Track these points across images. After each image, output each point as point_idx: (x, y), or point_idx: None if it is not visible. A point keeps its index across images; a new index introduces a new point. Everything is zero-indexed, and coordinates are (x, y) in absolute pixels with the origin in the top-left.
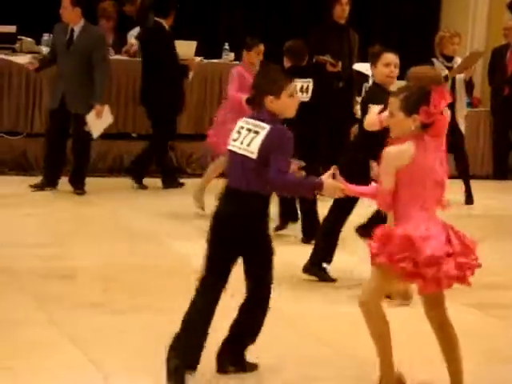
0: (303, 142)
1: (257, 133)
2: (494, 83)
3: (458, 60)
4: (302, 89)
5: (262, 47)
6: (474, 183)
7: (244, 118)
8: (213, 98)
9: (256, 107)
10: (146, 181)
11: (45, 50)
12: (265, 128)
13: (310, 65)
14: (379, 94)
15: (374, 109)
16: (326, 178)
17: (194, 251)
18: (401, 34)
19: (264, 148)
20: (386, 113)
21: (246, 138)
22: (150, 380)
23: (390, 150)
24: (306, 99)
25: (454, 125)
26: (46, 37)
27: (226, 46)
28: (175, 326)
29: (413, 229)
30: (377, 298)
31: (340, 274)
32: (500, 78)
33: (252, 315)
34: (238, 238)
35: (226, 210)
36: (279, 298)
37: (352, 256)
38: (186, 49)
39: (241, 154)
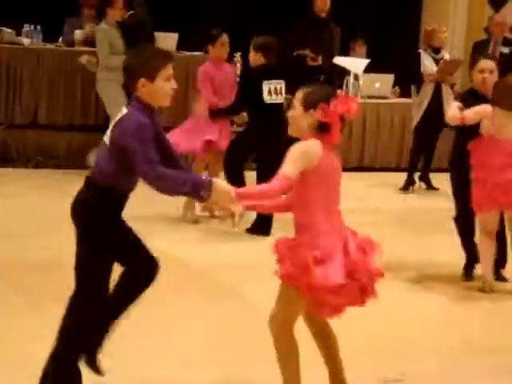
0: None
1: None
2: None
3: (445, 54)
4: (276, 90)
5: (225, 38)
6: None
7: None
8: (194, 91)
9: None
10: None
11: (25, 40)
12: (122, 112)
13: (281, 64)
14: (471, 99)
15: (455, 104)
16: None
17: (176, 247)
18: (384, 27)
19: (116, 134)
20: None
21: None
22: (134, 372)
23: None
24: (280, 101)
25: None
26: (26, 28)
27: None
28: (152, 314)
29: (310, 246)
30: (286, 316)
31: None
32: None
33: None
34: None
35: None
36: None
37: None
38: (167, 41)
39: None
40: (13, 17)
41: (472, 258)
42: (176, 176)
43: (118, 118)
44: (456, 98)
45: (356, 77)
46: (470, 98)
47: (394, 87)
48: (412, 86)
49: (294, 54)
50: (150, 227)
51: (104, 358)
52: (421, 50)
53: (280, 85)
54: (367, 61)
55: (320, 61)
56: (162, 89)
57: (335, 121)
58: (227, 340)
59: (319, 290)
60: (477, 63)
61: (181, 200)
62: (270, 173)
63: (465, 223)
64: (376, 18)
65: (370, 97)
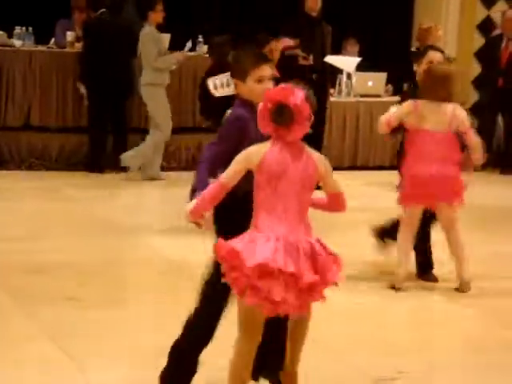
0: None
1: None
2: (487, 74)
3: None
4: (222, 84)
5: (275, 44)
6: None
7: None
8: (187, 91)
9: None
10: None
11: (17, 42)
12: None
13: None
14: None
15: (393, 109)
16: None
17: (169, 246)
18: (375, 26)
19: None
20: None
21: None
22: (127, 372)
23: None
24: (233, 92)
25: None
26: (17, 29)
27: (200, 39)
28: (150, 320)
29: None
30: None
31: None
32: (494, 69)
33: None
34: None
35: None
36: None
37: None
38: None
39: None
40: (4, 19)
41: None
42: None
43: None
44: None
45: (348, 75)
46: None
47: (386, 85)
48: (405, 84)
49: (285, 53)
50: (141, 223)
51: (100, 357)
52: (413, 49)
53: (226, 77)
54: (358, 59)
55: (311, 60)
56: (253, 89)
57: None
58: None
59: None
60: (425, 55)
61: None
62: None
63: (423, 227)
64: (367, 16)
65: (362, 95)
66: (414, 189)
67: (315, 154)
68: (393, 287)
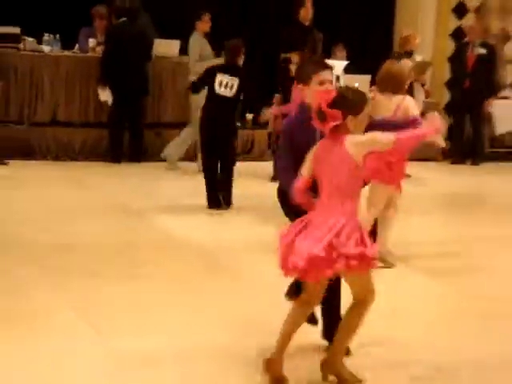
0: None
1: None
2: (455, 77)
3: (417, 57)
4: (227, 84)
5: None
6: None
7: None
8: None
9: None
10: None
11: (45, 48)
12: None
13: (239, 65)
14: None
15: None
16: None
17: (179, 227)
18: (361, 34)
19: None
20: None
21: None
22: (144, 340)
23: None
24: (230, 95)
25: None
26: (46, 37)
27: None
28: (167, 291)
29: None
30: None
31: None
32: (461, 72)
33: None
34: None
35: None
36: None
37: None
38: (170, 48)
39: None
40: (34, 27)
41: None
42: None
43: None
44: (426, 97)
45: (337, 77)
46: None
47: (371, 86)
48: None
49: (281, 57)
50: (158, 208)
51: (119, 327)
52: (394, 53)
53: (233, 81)
54: (346, 62)
55: None
56: (315, 91)
57: None
58: (219, 314)
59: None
60: (399, 60)
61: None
62: None
63: None
64: (354, 25)
65: None
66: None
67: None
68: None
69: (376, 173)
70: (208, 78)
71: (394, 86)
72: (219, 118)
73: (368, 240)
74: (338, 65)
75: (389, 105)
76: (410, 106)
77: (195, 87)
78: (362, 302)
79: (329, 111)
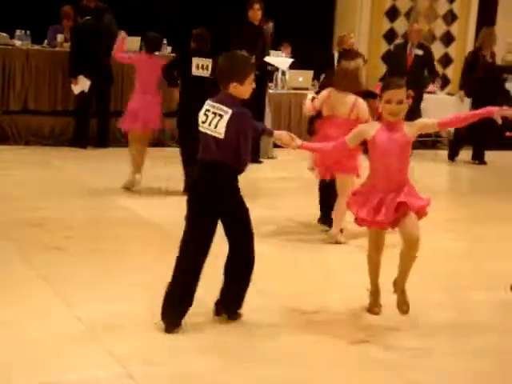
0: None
1: (221, 116)
2: (391, 73)
3: None
4: (202, 66)
5: None
6: None
7: (208, 101)
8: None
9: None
10: None
11: (17, 42)
12: (228, 112)
13: (210, 49)
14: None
15: (308, 95)
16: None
17: (142, 206)
18: (305, 34)
19: (229, 130)
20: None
21: (213, 120)
22: (111, 306)
23: None
24: (207, 75)
25: None
26: (18, 32)
27: (165, 41)
28: (127, 265)
29: None
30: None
31: None
32: (400, 71)
33: (236, 274)
34: (215, 204)
35: (204, 181)
36: None
37: None
38: (132, 44)
39: (211, 135)
40: (7, 23)
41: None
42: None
43: (227, 116)
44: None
45: (283, 72)
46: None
47: (313, 81)
48: (321, 76)
49: None
50: (116, 189)
51: (86, 294)
52: (335, 52)
53: (207, 62)
54: (291, 60)
55: (254, 59)
56: (247, 89)
57: None
58: None
59: None
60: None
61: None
62: None
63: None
64: (298, 26)
65: (294, 88)
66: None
67: None
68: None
69: (338, 165)
70: (184, 64)
71: (349, 84)
72: (199, 99)
73: None
74: (284, 62)
75: (345, 103)
76: (362, 108)
77: (172, 80)
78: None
79: None
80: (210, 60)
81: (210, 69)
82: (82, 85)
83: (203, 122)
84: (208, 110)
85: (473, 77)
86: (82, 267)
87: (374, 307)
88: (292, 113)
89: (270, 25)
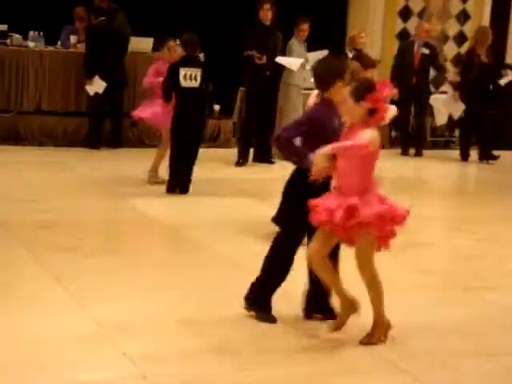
0: (196, 123)
1: None
2: (402, 74)
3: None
4: (190, 76)
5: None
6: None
7: None
8: None
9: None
10: None
11: (30, 44)
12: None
13: (198, 56)
14: None
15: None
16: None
17: (153, 207)
18: (317, 34)
19: None
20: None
21: None
22: (125, 306)
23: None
24: (196, 86)
25: None
26: (31, 33)
27: (177, 42)
28: (140, 266)
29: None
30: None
31: None
32: (408, 69)
33: None
34: None
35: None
36: None
37: None
38: (144, 45)
39: None
40: (21, 25)
41: None
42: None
43: None
44: None
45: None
46: None
47: None
48: None
49: (245, 54)
50: (128, 189)
51: (97, 294)
52: (347, 51)
53: (196, 72)
54: (302, 60)
55: (265, 60)
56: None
57: (382, 105)
58: (184, 284)
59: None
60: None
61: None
62: None
63: None
64: (311, 26)
65: (305, 89)
66: None
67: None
68: None
69: None
70: (173, 75)
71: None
72: (190, 111)
73: None
74: (295, 62)
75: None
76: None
77: (168, 94)
78: None
79: None
80: (199, 70)
81: (198, 79)
82: (96, 86)
83: None
84: None
85: (468, 78)
86: (95, 267)
87: (349, 309)
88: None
89: None
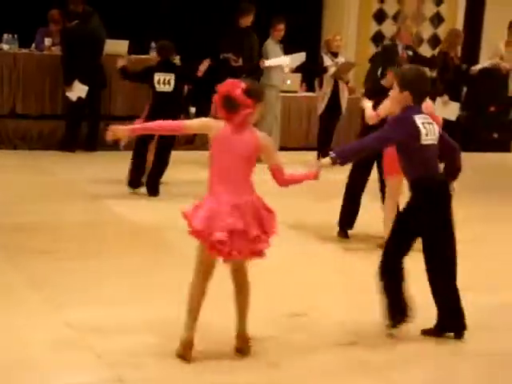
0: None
1: (431, 123)
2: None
3: (342, 58)
4: (164, 81)
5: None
6: None
7: (417, 116)
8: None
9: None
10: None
11: (4, 46)
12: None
13: (173, 61)
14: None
15: (367, 104)
16: None
17: (129, 209)
18: (293, 36)
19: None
20: (380, 107)
21: (431, 129)
22: (100, 310)
23: None
24: (169, 90)
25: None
26: (5, 36)
27: (153, 45)
28: (115, 269)
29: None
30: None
31: None
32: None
33: None
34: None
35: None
36: None
37: None
38: (119, 47)
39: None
40: None
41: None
42: None
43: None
44: (350, 93)
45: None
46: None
47: (301, 84)
48: (316, 82)
49: (221, 56)
50: (105, 192)
51: (73, 298)
52: (323, 54)
53: (170, 77)
54: (288, 57)
55: (241, 62)
56: None
57: None
58: (162, 287)
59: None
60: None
61: None
62: None
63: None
64: (286, 29)
65: (282, 91)
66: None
67: (259, 133)
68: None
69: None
70: (145, 76)
71: None
72: (164, 114)
73: None
74: (283, 59)
75: None
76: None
77: (126, 75)
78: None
79: (245, 100)
80: (173, 75)
81: (172, 83)
82: (78, 90)
83: (427, 135)
84: (423, 123)
85: (444, 79)
86: (70, 271)
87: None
88: (281, 115)
89: None
